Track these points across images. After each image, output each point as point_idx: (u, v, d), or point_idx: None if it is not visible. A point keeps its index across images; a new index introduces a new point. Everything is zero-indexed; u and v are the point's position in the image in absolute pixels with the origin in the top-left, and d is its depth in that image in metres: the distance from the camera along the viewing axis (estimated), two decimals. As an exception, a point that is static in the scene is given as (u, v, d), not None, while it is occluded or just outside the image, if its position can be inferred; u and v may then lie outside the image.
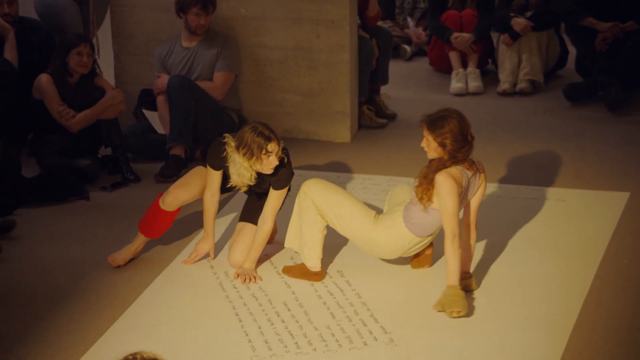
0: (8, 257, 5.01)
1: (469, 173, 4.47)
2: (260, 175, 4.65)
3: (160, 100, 6.16)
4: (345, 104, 6.40)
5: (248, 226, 4.81)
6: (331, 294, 4.65)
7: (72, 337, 4.33)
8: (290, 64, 6.41)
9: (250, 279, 4.69)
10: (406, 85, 7.47)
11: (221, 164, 4.67)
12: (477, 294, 4.60)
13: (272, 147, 4.50)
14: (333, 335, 4.33)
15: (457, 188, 4.39)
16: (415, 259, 4.83)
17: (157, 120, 6.20)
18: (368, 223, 4.60)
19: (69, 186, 5.65)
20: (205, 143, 6.14)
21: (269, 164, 4.53)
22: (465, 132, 4.41)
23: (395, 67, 7.44)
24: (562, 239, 5.11)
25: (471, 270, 4.65)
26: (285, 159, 4.61)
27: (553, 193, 5.63)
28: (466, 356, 4.17)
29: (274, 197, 4.67)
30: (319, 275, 4.71)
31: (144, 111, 6.26)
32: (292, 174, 4.69)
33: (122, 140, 5.97)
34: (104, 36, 6.89)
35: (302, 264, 4.73)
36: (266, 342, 4.29)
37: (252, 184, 4.65)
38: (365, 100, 6.70)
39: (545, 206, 5.48)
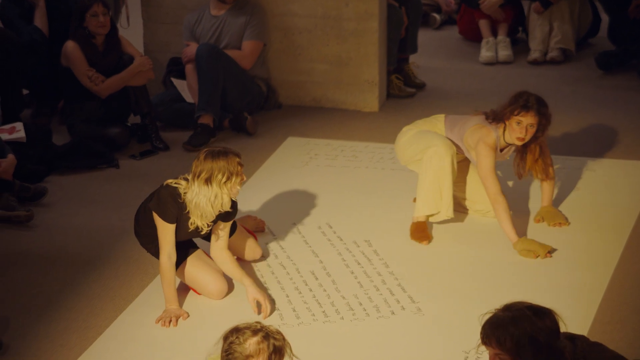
0: (40, 223, 5.07)
1: None
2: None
3: (189, 68, 6.16)
4: (373, 73, 6.37)
5: (192, 257, 4.33)
6: (359, 264, 4.66)
7: (102, 303, 4.38)
8: (318, 33, 6.38)
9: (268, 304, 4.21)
10: (435, 54, 7.41)
11: (176, 213, 4.12)
12: (505, 262, 4.59)
13: (241, 169, 4.10)
14: (360, 304, 4.35)
15: None
16: (419, 234, 4.80)
17: (186, 89, 6.20)
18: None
19: (98, 154, 5.68)
20: (234, 112, 6.15)
21: (237, 187, 4.10)
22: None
23: (424, 36, 7.38)
24: (592, 209, 5.08)
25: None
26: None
27: (584, 163, 5.58)
28: (494, 326, 4.17)
29: (226, 230, 4.24)
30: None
31: (173, 80, 6.27)
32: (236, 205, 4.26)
33: (151, 109, 5.99)
34: (133, 4, 6.89)
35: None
36: (294, 310, 4.31)
37: (217, 214, 4.12)
38: (394, 69, 6.66)
39: (576, 176, 5.44)
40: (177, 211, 4.12)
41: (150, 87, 6.11)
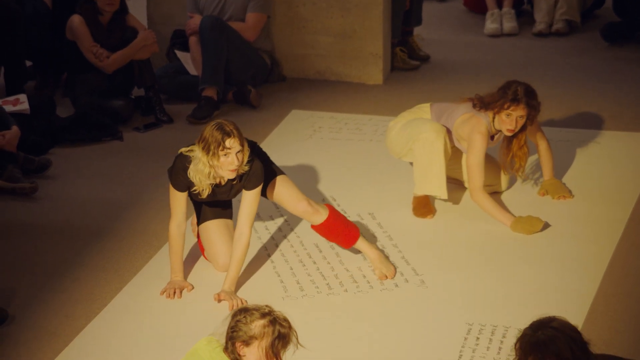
0: (44, 195, 5.08)
1: None
2: (230, 181, 4.13)
3: (193, 41, 6.14)
4: (378, 46, 6.34)
5: (219, 221, 4.29)
6: (362, 236, 4.66)
7: (107, 274, 4.40)
8: (322, 5, 6.34)
9: (234, 305, 4.07)
10: (440, 27, 7.38)
11: (186, 182, 4.10)
12: (509, 235, 4.59)
13: (231, 143, 3.96)
14: (364, 276, 4.36)
15: None
16: (422, 209, 4.80)
17: (190, 62, 6.19)
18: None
19: (102, 126, 5.68)
20: (238, 85, 6.14)
21: (227, 164, 3.98)
22: None
23: (428, 8, 7.34)
24: (597, 181, 5.07)
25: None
26: (254, 162, 4.11)
27: (588, 135, 5.57)
28: (499, 297, 4.18)
29: (249, 200, 4.10)
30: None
31: (177, 52, 6.25)
32: (263, 168, 4.15)
33: (154, 81, 5.98)
34: (136, -24, 6.87)
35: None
36: (298, 282, 4.32)
37: (213, 182, 4.08)
38: (398, 42, 6.63)
39: (581, 148, 5.43)
40: (184, 180, 4.10)
41: (154, 59, 6.09)
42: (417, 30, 6.86)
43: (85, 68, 5.90)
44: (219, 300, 4.12)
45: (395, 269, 4.34)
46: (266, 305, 2.98)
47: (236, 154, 3.99)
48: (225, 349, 2.97)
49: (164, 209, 4.94)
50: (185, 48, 6.23)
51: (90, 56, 5.84)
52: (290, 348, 2.95)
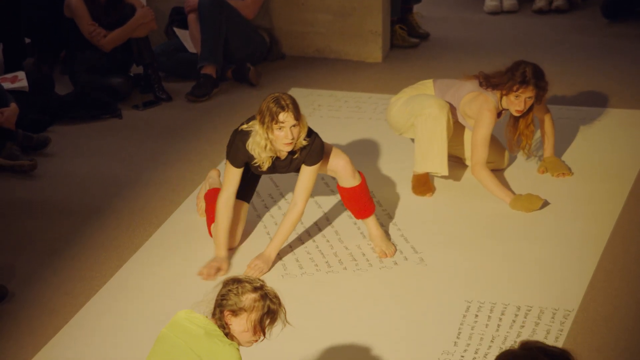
0: (43, 172, 5.07)
1: None
2: (290, 155, 4.14)
3: (192, 18, 6.11)
4: (377, 23, 6.32)
5: (237, 202, 4.28)
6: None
7: (106, 252, 4.40)
8: (322, -18, 6.32)
9: (261, 272, 4.16)
10: (439, 4, 7.34)
11: (243, 158, 4.13)
12: (509, 213, 4.60)
13: (284, 117, 3.97)
14: (364, 254, 4.36)
15: None
16: (421, 187, 4.80)
17: (189, 39, 6.17)
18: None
19: (101, 104, 5.67)
20: (237, 62, 6.12)
21: (282, 138, 4.01)
22: None
23: (428, -15, 7.32)
24: (596, 159, 5.07)
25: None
26: (315, 138, 4.14)
27: (588, 113, 5.56)
28: (498, 275, 4.19)
29: (307, 175, 4.14)
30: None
31: (175, 29, 6.23)
32: (322, 145, 4.18)
33: (153, 59, 5.96)
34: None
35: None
36: (297, 260, 4.33)
37: (271, 154, 4.10)
38: (398, 20, 6.61)
39: (580, 126, 5.42)
40: (242, 155, 4.12)
41: (152, 37, 6.07)
42: (416, 8, 6.84)
43: (84, 45, 5.88)
44: (253, 266, 4.11)
45: (395, 248, 4.34)
46: (259, 279, 2.99)
47: (290, 128, 4.00)
48: (213, 315, 2.97)
49: (163, 187, 4.95)
50: (184, 25, 6.21)
51: (88, 35, 5.82)
52: (279, 325, 2.95)
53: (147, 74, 5.95)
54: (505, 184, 4.80)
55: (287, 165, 4.19)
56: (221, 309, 2.95)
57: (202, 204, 4.59)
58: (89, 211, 4.72)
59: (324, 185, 4.91)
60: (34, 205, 4.78)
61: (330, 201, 4.76)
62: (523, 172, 4.96)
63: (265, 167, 4.15)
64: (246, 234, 4.47)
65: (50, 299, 4.09)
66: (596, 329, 3.81)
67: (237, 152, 4.12)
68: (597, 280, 4.11)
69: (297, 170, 4.23)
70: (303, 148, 4.11)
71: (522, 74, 4.54)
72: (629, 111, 5.58)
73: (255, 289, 2.94)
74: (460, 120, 4.77)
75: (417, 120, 4.70)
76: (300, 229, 4.52)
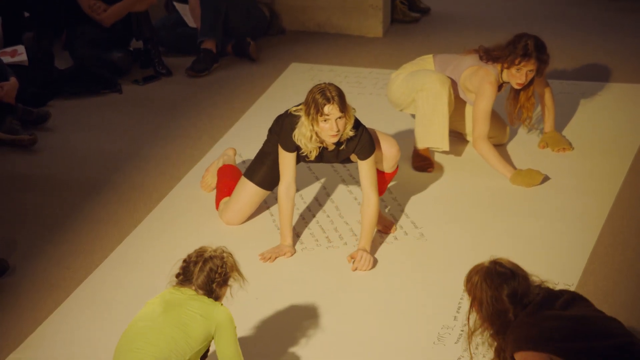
0: (43, 147, 5.07)
1: None
2: (337, 146, 4.12)
3: (191, -8, 6.09)
4: (378, -2, 6.29)
5: (259, 190, 4.32)
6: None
7: (107, 226, 4.41)
8: (322, -44, 6.29)
9: (370, 262, 4.12)
10: (441, -21, 7.31)
11: (294, 143, 4.08)
12: (509, 188, 4.60)
13: (330, 109, 3.94)
14: (364, 228, 4.37)
15: None
16: (422, 162, 4.80)
17: (188, 13, 6.14)
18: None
19: (102, 79, 5.66)
20: (237, 37, 6.10)
21: (327, 130, 3.98)
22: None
23: (429, -40, 7.27)
24: (597, 134, 5.07)
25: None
26: (364, 131, 4.12)
27: (589, 87, 5.55)
28: (498, 249, 4.19)
29: (366, 169, 4.12)
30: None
31: (175, 4, 6.20)
32: (371, 137, 4.16)
33: (153, 34, 5.94)
34: None
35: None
36: (297, 236, 4.33)
37: (318, 145, 4.07)
38: (399, -6, 6.58)
39: (581, 101, 5.41)
40: (295, 142, 4.08)
41: (152, 11, 6.04)
42: (417, -17, 6.81)
43: (84, 20, 5.86)
44: (352, 259, 4.09)
45: (395, 222, 4.35)
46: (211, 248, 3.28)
47: (336, 120, 3.96)
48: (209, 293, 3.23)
49: (163, 162, 4.94)
50: (184, 0, 6.18)
51: (88, 10, 5.79)
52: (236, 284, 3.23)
53: (147, 49, 5.93)
54: (506, 159, 4.80)
55: (334, 155, 4.15)
56: (218, 284, 3.24)
57: (210, 179, 4.58)
58: (89, 186, 4.72)
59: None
60: (34, 180, 4.78)
61: (330, 177, 4.76)
62: (523, 147, 4.96)
63: (312, 156, 4.12)
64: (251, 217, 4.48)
65: (51, 273, 4.10)
66: (596, 303, 3.81)
67: (287, 137, 4.07)
68: (596, 255, 4.12)
69: (344, 161, 4.22)
70: (350, 139, 4.07)
71: (524, 47, 4.52)
72: (630, 85, 5.56)
73: (221, 253, 3.26)
74: (461, 95, 4.76)
75: (418, 96, 4.69)
76: (300, 205, 4.52)
